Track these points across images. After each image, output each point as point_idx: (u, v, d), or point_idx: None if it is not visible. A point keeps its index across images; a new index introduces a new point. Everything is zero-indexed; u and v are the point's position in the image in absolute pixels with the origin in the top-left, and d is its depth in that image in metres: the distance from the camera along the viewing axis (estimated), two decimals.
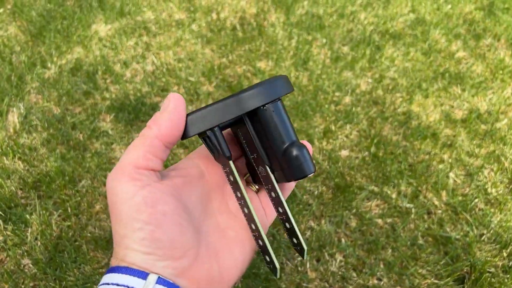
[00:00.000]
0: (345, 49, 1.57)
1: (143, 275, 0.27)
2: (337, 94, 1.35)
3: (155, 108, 1.30)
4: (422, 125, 1.25)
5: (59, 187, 1.06)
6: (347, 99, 1.34)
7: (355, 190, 1.06)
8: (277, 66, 1.46)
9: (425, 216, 1.02)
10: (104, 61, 1.49)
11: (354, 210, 1.02)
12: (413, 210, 1.03)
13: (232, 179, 0.33)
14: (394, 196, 1.06)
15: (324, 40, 1.60)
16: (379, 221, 1.00)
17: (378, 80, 1.41)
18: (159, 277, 0.28)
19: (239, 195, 0.34)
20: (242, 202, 0.34)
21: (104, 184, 1.08)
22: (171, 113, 0.31)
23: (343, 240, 0.97)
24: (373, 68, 1.47)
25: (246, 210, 0.34)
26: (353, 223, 1.00)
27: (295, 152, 0.32)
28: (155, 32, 1.65)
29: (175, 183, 0.32)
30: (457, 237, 0.97)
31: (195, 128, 0.31)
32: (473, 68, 1.49)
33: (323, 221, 1.00)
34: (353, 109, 1.29)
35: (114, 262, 0.29)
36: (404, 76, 1.44)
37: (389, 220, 1.01)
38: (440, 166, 1.13)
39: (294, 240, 0.35)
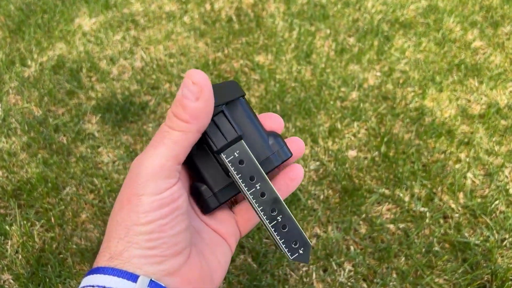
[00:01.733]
0: (351, 40, 1.57)
1: (133, 277, 0.28)
2: (343, 89, 1.36)
3: (144, 107, 1.30)
4: (437, 121, 1.25)
5: (41, 195, 1.07)
6: (354, 95, 1.34)
7: (364, 193, 1.07)
8: (277, 60, 1.47)
9: (441, 221, 1.02)
10: (89, 58, 1.49)
11: (363, 215, 1.02)
12: (427, 214, 1.03)
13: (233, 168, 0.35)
14: (407, 199, 1.06)
15: (328, 31, 1.61)
16: (391, 226, 1.01)
17: (387, 74, 1.42)
18: (151, 280, 0.28)
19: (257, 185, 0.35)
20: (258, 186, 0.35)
21: (91, 191, 1.08)
22: (207, 102, 0.31)
23: (352, 248, 0.97)
24: (381, 60, 1.48)
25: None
26: (363, 229, 1.00)
27: None
28: (144, 25, 1.66)
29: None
30: (477, 242, 0.97)
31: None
32: (491, 58, 1.49)
33: (329, 228, 1.00)
34: (361, 105, 1.30)
35: (101, 261, 0.29)
36: (416, 68, 1.44)
37: (401, 226, 1.01)
38: (457, 165, 1.14)
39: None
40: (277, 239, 0.35)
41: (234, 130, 0.34)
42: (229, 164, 0.34)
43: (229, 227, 0.38)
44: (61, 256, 0.96)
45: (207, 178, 0.36)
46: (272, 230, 0.35)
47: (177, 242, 0.30)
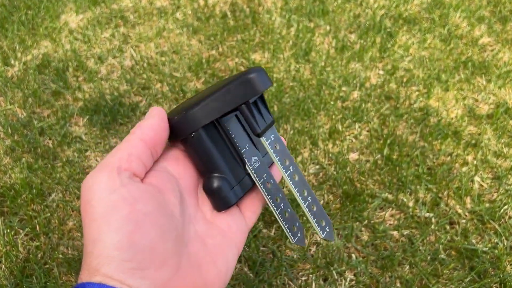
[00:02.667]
0: (352, 37, 1.58)
1: None
2: (343, 88, 1.36)
3: (134, 109, 1.30)
4: (442, 122, 1.26)
5: (26, 202, 1.07)
6: (356, 94, 1.34)
7: (366, 198, 1.07)
8: (274, 58, 1.47)
9: (447, 227, 1.03)
10: (76, 56, 1.50)
11: (365, 222, 1.03)
12: (433, 220, 1.03)
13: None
14: (411, 204, 1.06)
15: (328, 28, 1.61)
16: (395, 233, 1.01)
17: (390, 72, 1.42)
18: None
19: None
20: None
21: (78, 198, 1.08)
22: (154, 118, 0.35)
23: (353, 256, 0.97)
24: (384, 58, 1.48)
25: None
26: (365, 236, 1.01)
27: None
28: (134, 21, 1.66)
29: (155, 184, 0.33)
30: (485, 249, 0.97)
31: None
32: (499, 55, 1.50)
33: None
34: (363, 105, 1.30)
35: (84, 276, 0.29)
36: (421, 66, 1.45)
37: (406, 232, 1.01)
38: (464, 169, 1.14)
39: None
40: (310, 218, 0.38)
41: (269, 114, 0.37)
42: (268, 147, 0.37)
43: (239, 223, 0.38)
44: (47, 266, 0.96)
45: (226, 171, 0.37)
46: (307, 210, 0.38)
47: (155, 253, 0.30)
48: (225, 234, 0.37)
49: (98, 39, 1.58)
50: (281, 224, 0.38)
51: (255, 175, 0.38)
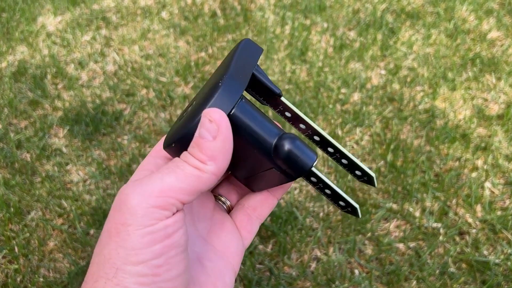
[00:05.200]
0: (352, 34, 1.59)
1: None
2: (343, 90, 1.37)
3: (118, 117, 1.31)
4: (449, 124, 1.27)
5: (3, 222, 1.07)
6: (356, 97, 1.35)
7: (370, 209, 1.08)
8: (268, 59, 1.48)
9: (457, 238, 1.03)
10: (54, 62, 1.50)
11: (369, 234, 1.03)
12: (441, 231, 1.04)
13: (289, 114, 0.39)
14: (417, 214, 1.07)
15: (326, 25, 1.62)
16: (401, 246, 1.02)
17: (393, 72, 1.44)
18: None
19: (302, 126, 0.39)
20: (310, 132, 0.39)
21: (59, 215, 1.09)
22: (225, 142, 0.31)
23: (356, 271, 0.98)
24: (386, 56, 1.49)
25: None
26: (369, 250, 1.01)
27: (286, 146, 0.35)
28: (116, 23, 1.67)
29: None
30: (497, 261, 0.98)
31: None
32: (509, 51, 1.51)
33: (331, 249, 1.01)
34: (364, 108, 1.31)
35: None
36: (425, 64, 1.46)
37: (412, 245, 1.02)
38: (473, 174, 1.15)
39: (341, 203, 0.39)
40: (357, 161, 0.39)
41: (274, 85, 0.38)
42: (290, 104, 0.38)
43: (237, 244, 0.38)
44: None
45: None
46: (350, 154, 0.39)
47: (174, 286, 0.30)
48: (223, 256, 0.37)
49: (78, 42, 1.59)
50: (345, 196, 0.39)
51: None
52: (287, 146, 0.35)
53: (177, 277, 0.30)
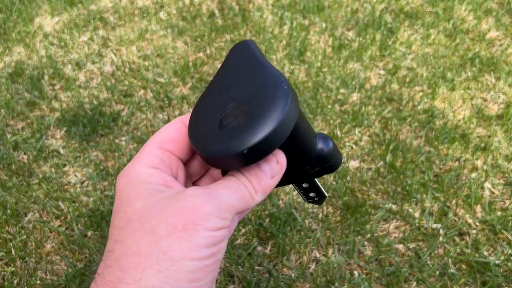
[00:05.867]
0: (350, 34, 1.59)
1: None
2: (342, 91, 1.37)
3: (116, 118, 1.31)
4: (449, 124, 1.27)
5: (0, 224, 1.07)
6: (355, 97, 1.35)
7: (369, 209, 1.07)
8: (266, 59, 1.48)
9: (457, 238, 1.03)
10: (52, 63, 1.50)
11: (368, 235, 1.03)
12: (441, 232, 1.04)
13: None
14: (417, 215, 1.07)
15: (324, 25, 1.62)
16: (400, 247, 1.01)
17: (392, 72, 1.43)
18: None
19: None
20: None
21: (56, 217, 1.08)
22: (277, 181, 0.36)
23: (356, 273, 0.98)
24: (385, 56, 1.49)
25: None
26: (368, 251, 1.01)
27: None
28: (114, 23, 1.67)
29: None
30: (497, 262, 0.98)
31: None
32: (509, 51, 1.51)
33: (330, 251, 1.01)
34: (363, 108, 1.31)
35: None
36: (424, 64, 1.46)
37: (412, 246, 1.02)
38: (473, 174, 1.15)
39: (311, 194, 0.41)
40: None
41: None
42: None
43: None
44: None
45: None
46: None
47: None
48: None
49: (76, 43, 1.58)
50: (321, 189, 0.40)
51: None
52: (326, 148, 0.37)
53: (212, 281, 0.33)
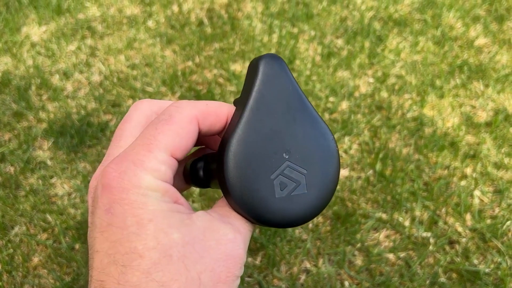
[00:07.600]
0: (339, 42, 1.60)
1: None
2: (331, 99, 1.37)
3: (104, 129, 1.30)
4: (438, 132, 1.27)
5: None
6: (344, 105, 1.36)
7: (359, 219, 1.08)
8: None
9: (447, 247, 1.04)
10: (39, 73, 1.49)
11: (358, 245, 1.03)
12: (431, 240, 1.04)
13: None
14: (407, 223, 1.07)
15: (313, 33, 1.63)
16: (390, 256, 1.02)
17: (381, 80, 1.44)
18: None
19: None
20: None
21: (44, 230, 1.07)
22: None
23: (346, 283, 0.98)
24: (374, 64, 1.50)
25: None
26: (358, 261, 1.01)
27: None
28: (102, 32, 1.66)
29: None
30: (487, 270, 0.98)
31: None
32: (497, 58, 1.52)
33: (320, 261, 1.01)
34: (352, 117, 1.31)
35: None
36: (413, 72, 1.47)
37: (402, 255, 1.02)
38: (462, 182, 1.15)
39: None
40: None
41: None
42: None
43: None
44: None
45: None
46: None
47: None
48: None
49: (63, 52, 1.58)
50: None
51: None
52: None
53: None
